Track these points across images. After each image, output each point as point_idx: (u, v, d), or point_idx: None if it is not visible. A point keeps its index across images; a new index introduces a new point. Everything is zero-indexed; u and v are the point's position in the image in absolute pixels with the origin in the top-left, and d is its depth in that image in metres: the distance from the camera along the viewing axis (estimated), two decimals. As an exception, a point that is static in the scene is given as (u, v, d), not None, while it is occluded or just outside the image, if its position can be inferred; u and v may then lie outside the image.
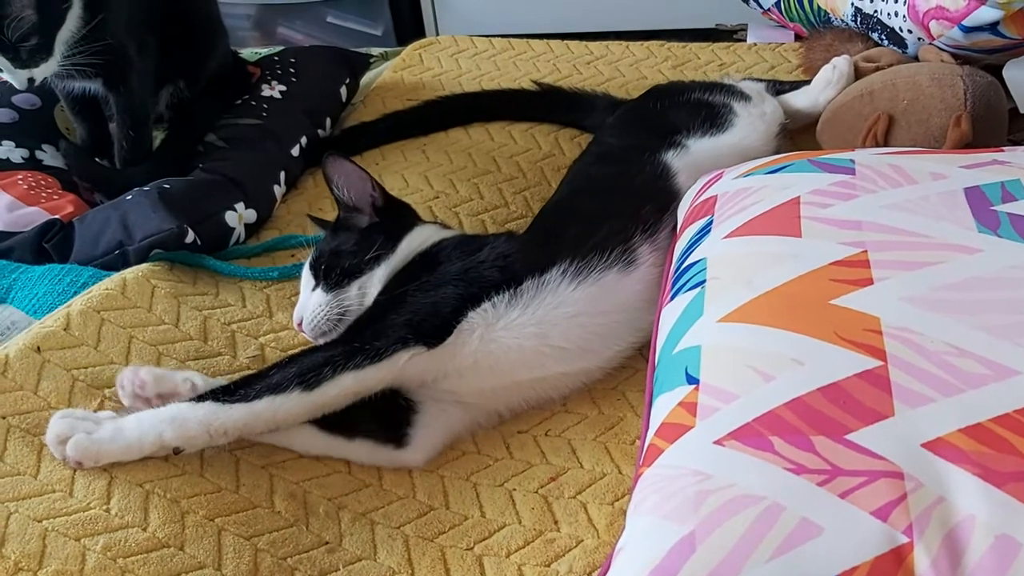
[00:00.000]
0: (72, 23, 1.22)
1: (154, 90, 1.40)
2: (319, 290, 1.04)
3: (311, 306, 1.03)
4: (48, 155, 1.39)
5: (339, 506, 0.91)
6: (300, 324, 1.04)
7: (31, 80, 1.21)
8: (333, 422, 0.93)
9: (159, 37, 1.36)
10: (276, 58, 1.60)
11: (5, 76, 1.21)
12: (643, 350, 1.05)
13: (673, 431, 0.73)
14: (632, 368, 1.05)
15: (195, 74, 1.45)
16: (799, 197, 0.90)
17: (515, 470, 0.95)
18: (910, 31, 1.34)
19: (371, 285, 1.02)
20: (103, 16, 1.23)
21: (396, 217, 1.11)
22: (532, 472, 0.95)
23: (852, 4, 1.43)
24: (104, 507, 0.83)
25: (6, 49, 1.16)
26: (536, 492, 0.92)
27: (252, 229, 1.31)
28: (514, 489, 0.93)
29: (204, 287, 1.16)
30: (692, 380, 0.75)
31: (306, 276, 1.07)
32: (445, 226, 1.14)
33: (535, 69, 1.74)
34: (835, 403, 0.68)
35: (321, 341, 1.03)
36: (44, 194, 1.28)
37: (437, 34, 2.48)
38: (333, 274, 1.03)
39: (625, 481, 0.92)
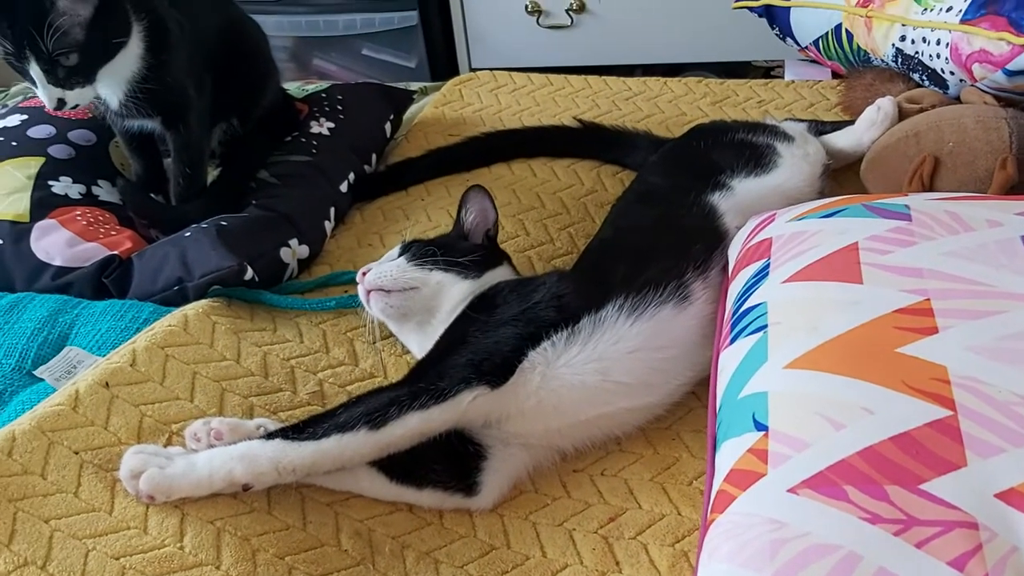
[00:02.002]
0: (133, 64, 1.25)
1: (210, 128, 1.43)
2: (402, 258, 1.10)
3: (387, 264, 1.10)
4: (104, 191, 1.42)
5: (403, 545, 0.92)
6: (365, 274, 1.09)
7: (61, 102, 1.20)
8: (402, 470, 0.95)
9: (215, 76, 1.39)
10: (323, 95, 1.63)
11: (37, 92, 1.21)
12: (695, 388, 1.06)
13: (744, 478, 0.74)
14: (685, 407, 1.06)
15: (249, 112, 1.48)
16: (857, 243, 0.91)
17: (574, 510, 0.97)
18: (952, 73, 1.36)
19: (447, 291, 1.07)
20: (165, 57, 1.26)
21: (495, 254, 1.17)
22: (591, 512, 0.96)
23: (893, 45, 1.45)
24: (178, 544, 0.85)
25: (42, 58, 1.15)
26: (596, 532, 0.94)
27: (303, 264, 1.33)
28: (574, 529, 0.94)
29: (262, 323, 1.18)
30: (761, 427, 0.77)
31: (392, 252, 1.15)
32: (519, 274, 1.17)
33: (574, 105, 1.76)
34: (907, 453, 0.70)
35: (373, 302, 1.08)
36: (102, 230, 1.31)
37: (470, 66, 2.52)
38: (423, 254, 1.10)
39: (685, 523, 0.93)
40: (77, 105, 1.23)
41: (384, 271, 1.08)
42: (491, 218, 1.18)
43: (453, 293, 1.07)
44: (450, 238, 1.18)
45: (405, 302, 1.07)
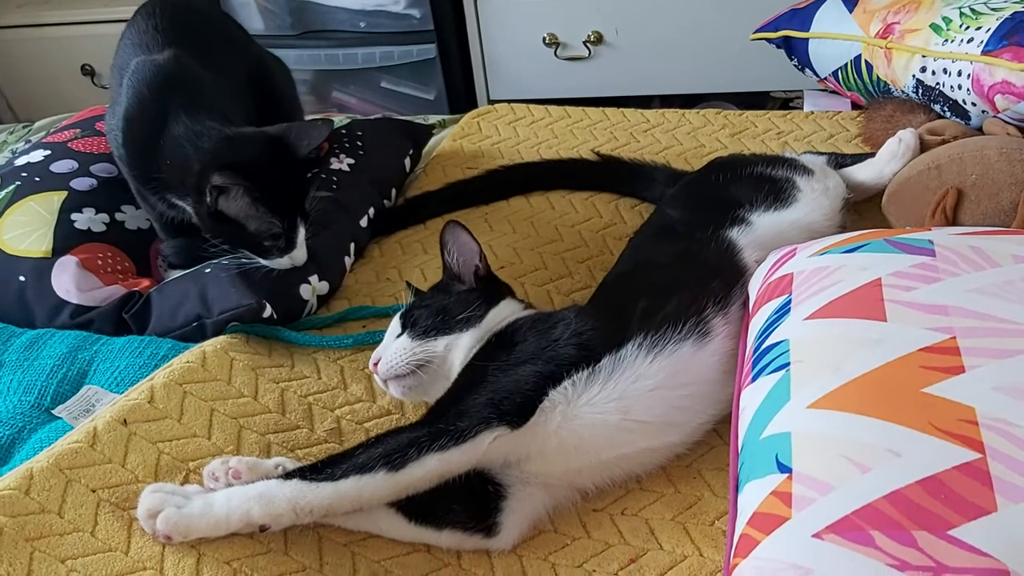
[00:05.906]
0: None
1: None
2: (404, 336, 1.07)
3: (392, 348, 1.07)
4: (128, 215, 1.42)
5: (421, 586, 0.91)
6: (376, 364, 1.07)
7: None
8: (421, 510, 0.94)
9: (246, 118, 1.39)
10: (343, 131, 1.64)
11: (286, 261, 1.24)
12: (717, 426, 1.05)
13: (768, 521, 0.72)
14: (707, 444, 1.05)
15: None
16: (880, 279, 0.90)
17: (593, 550, 0.95)
18: (974, 104, 1.35)
19: (457, 348, 1.05)
20: None
21: (492, 289, 1.14)
22: (611, 553, 0.95)
23: (914, 76, 1.44)
24: (195, 586, 0.84)
25: (304, 217, 1.23)
26: (616, 574, 0.92)
27: (323, 299, 1.33)
28: (593, 570, 0.93)
29: (280, 359, 1.18)
30: (784, 468, 0.75)
31: (394, 326, 1.11)
32: (530, 305, 1.16)
33: (592, 137, 1.76)
34: (935, 497, 0.68)
35: (392, 388, 1.07)
36: (120, 277, 1.32)
37: (488, 98, 2.53)
38: (423, 325, 1.07)
39: (707, 564, 0.91)
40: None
41: (392, 358, 1.05)
42: (475, 251, 1.14)
43: (463, 346, 1.05)
44: (445, 289, 1.15)
45: (422, 376, 1.05)
